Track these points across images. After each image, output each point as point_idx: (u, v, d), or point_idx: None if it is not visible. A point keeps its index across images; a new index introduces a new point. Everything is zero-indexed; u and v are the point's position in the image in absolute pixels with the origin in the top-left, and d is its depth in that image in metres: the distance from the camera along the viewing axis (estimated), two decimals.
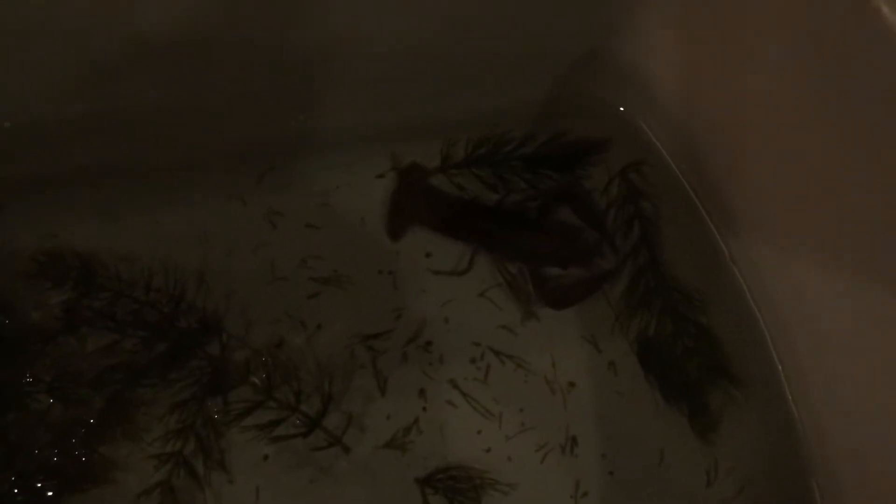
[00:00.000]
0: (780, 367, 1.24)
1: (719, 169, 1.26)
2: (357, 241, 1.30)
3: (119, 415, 1.18)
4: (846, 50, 0.93)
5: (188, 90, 1.23)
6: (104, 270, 1.25)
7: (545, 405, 1.25)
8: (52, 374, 1.19)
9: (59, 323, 1.22)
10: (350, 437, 1.20)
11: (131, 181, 1.30)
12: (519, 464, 1.22)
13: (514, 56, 1.26)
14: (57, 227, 1.27)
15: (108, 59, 1.15)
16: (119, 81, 1.18)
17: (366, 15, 1.17)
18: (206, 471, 1.18)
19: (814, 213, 1.11)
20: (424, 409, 1.24)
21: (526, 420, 1.24)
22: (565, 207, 1.29)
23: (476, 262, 1.30)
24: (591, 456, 1.24)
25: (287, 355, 1.23)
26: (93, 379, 1.18)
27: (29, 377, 1.18)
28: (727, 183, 1.26)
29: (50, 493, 1.14)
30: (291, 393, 1.19)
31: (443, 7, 1.19)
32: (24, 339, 1.20)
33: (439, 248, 1.30)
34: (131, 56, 1.14)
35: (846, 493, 1.15)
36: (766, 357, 1.25)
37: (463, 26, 1.21)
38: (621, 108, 1.35)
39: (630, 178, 1.32)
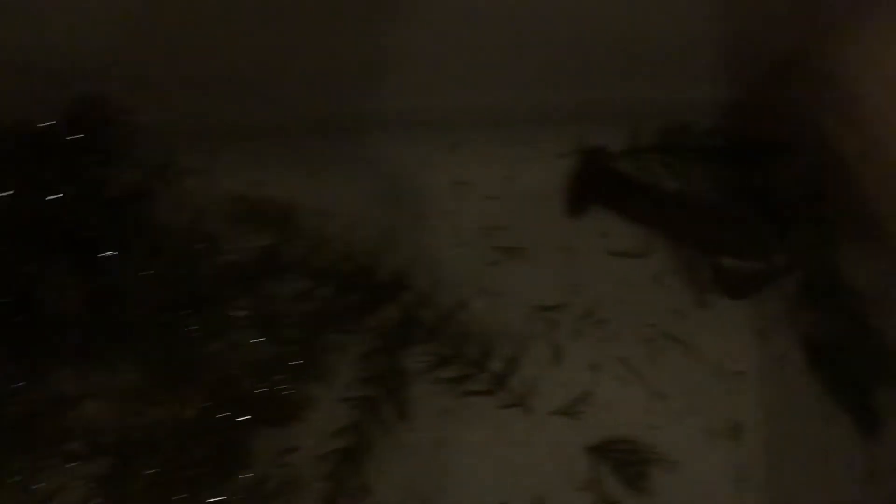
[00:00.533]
0: None
1: None
2: (538, 216, 1.35)
3: (313, 358, 1.24)
4: None
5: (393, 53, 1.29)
6: (303, 221, 1.32)
7: (712, 390, 1.29)
8: (253, 312, 1.25)
9: (259, 266, 1.28)
10: (526, 401, 1.25)
11: (332, 139, 1.36)
12: (683, 444, 1.27)
13: (716, 50, 1.29)
14: (262, 177, 1.34)
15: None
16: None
17: None
18: (391, 418, 1.23)
19: None
20: (596, 382, 1.29)
21: (692, 403, 1.29)
22: (746, 202, 1.32)
23: (653, 247, 1.34)
24: (754, 444, 1.27)
25: (470, 317, 1.28)
26: (291, 322, 1.24)
27: (231, 311, 1.24)
28: None
29: (244, 420, 1.20)
30: (477, 353, 1.24)
31: None
32: (227, 277, 1.26)
33: (617, 229, 1.35)
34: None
35: None
36: None
37: (670, 15, 1.25)
38: (808, 111, 1.37)
39: (813, 178, 1.34)
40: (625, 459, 1.24)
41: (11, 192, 1.17)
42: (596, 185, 1.35)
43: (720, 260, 1.31)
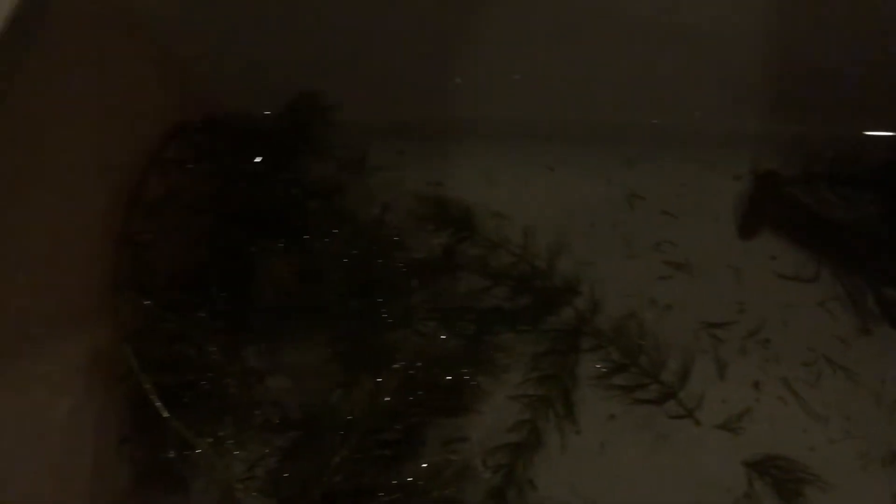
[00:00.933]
0: None
1: None
2: (709, 233, 1.39)
3: (486, 354, 1.30)
4: None
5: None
6: (480, 222, 1.37)
7: (871, 417, 1.32)
8: (432, 305, 1.31)
9: (440, 262, 1.34)
10: (693, 413, 1.30)
11: (507, 146, 1.41)
12: (840, 467, 1.30)
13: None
14: (442, 177, 1.40)
15: None
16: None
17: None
18: (559, 419, 1.29)
19: None
20: (757, 399, 1.32)
21: (851, 428, 1.32)
22: None
23: (820, 273, 1.37)
24: None
25: (639, 328, 1.33)
26: (472, 318, 1.30)
27: (414, 304, 1.30)
28: None
29: (428, 409, 1.26)
30: (650, 362, 1.29)
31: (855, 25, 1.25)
32: (411, 270, 1.33)
33: (786, 253, 1.38)
34: None
35: None
36: None
37: (860, 50, 1.27)
38: None
39: None
40: (781, 477, 1.28)
41: (226, 178, 1.24)
42: (769, 208, 1.38)
43: (886, 290, 1.34)
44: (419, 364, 1.27)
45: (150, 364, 1.16)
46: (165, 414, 1.14)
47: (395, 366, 1.26)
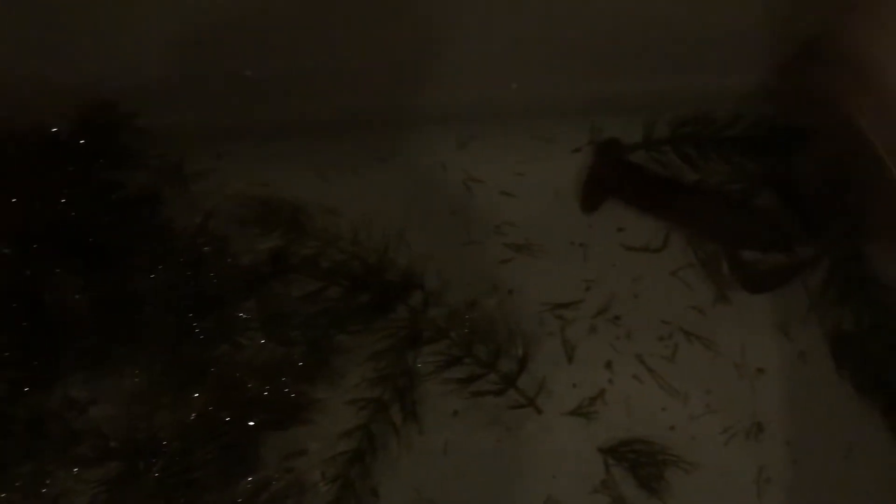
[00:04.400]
0: None
1: None
2: (550, 211, 1.32)
3: (320, 360, 1.23)
4: None
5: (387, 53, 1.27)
6: (310, 221, 1.30)
7: (732, 389, 1.25)
8: (260, 314, 1.24)
9: (267, 268, 1.27)
10: (538, 401, 1.22)
11: (337, 139, 1.35)
12: (702, 444, 1.23)
13: (734, 37, 1.25)
14: (268, 178, 1.33)
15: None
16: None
17: None
18: (400, 420, 1.21)
19: None
20: (610, 381, 1.25)
21: (711, 402, 1.25)
22: (768, 192, 1.27)
23: (670, 241, 1.30)
24: (776, 443, 1.23)
25: (480, 316, 1.26)
26: (298, 323, 1.23)
27: (240, 314, 1.23)
28: None
29: (251, 423, 1.19)
30: (487, 352, 1.21)
31: None
32: (235, 280, 1.25)
33: (633, 223, 1.31)
34: None
35: None
36: None
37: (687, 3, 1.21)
38: (834, 97, 1.32)
39: (838, 168, 1.29)
40: (639, 461, 1.20)
41: (18, 198, 1.17)
42: (611, 178, 1.31)
43: (740, 253, 1.27)
44: (245, 377, 1.19)
45: None
46: None
47: (218, 382, 1.18)
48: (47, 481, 1.15)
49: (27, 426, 1.17)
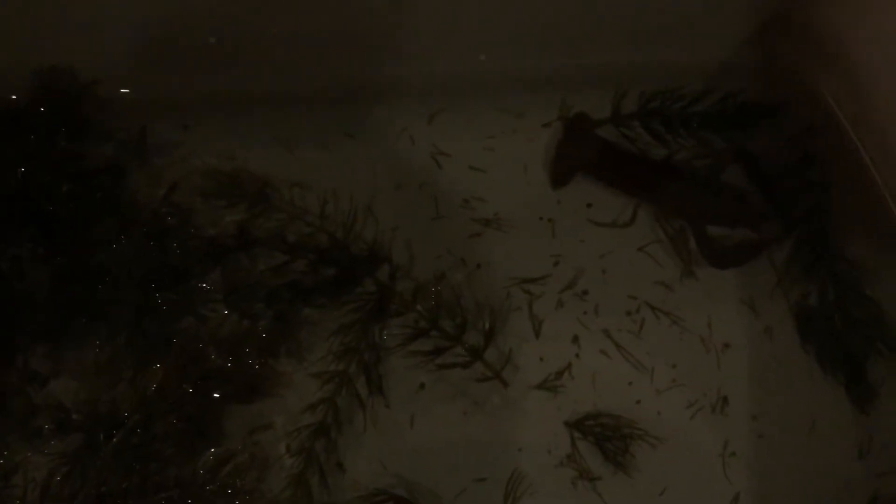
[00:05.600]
0: None
1: None
2: (519, 186, 1.32)
3: (285, 333, 1.22)
4: None
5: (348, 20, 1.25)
6: (277, 194, 1.29)
7: (698, 363, 1.25)
8: (225, 287, 1.22)
9: (232, 240, 1.25)
10: (504, 375, 1.22)
11: (305, 111, 1.33)
12: (668, 418, 1.23)
13: (701, 12, 1.24)
14: (235, 150, 1.31)
15: None
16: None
17: None
18: (366, 394, 1.20)
19: None
20: (577, 355, 1.25)
21: (678, 376, 1.25)
22: (736, 168, 1.28)
23: (638, 216, 1.30)
24: (742, 417, 1.23)
25: (447, 290, 1.25)
26: (263, 296, 1.21)
27: (205, 286, 1.22)
28: None
29: (214, 396, 1.17)
30: (453, 325, 1.21)
31: None
32: (199, 252, 1.23)
33: (601, 199, 1.31)
34: None
35: None
36: None
37: None
38: (800, 72, 1.32)
39: (804, 143, 1.29)
40: (605, 435, 1.20)
41: None
42: (579, 153, 1.31)
43: (707, 229, 1.27)
44: (209, 350, 1.18)
45: None
46: None
47: (181, 355, 1.16)
48: (5, 452, 1.12)
49: None
